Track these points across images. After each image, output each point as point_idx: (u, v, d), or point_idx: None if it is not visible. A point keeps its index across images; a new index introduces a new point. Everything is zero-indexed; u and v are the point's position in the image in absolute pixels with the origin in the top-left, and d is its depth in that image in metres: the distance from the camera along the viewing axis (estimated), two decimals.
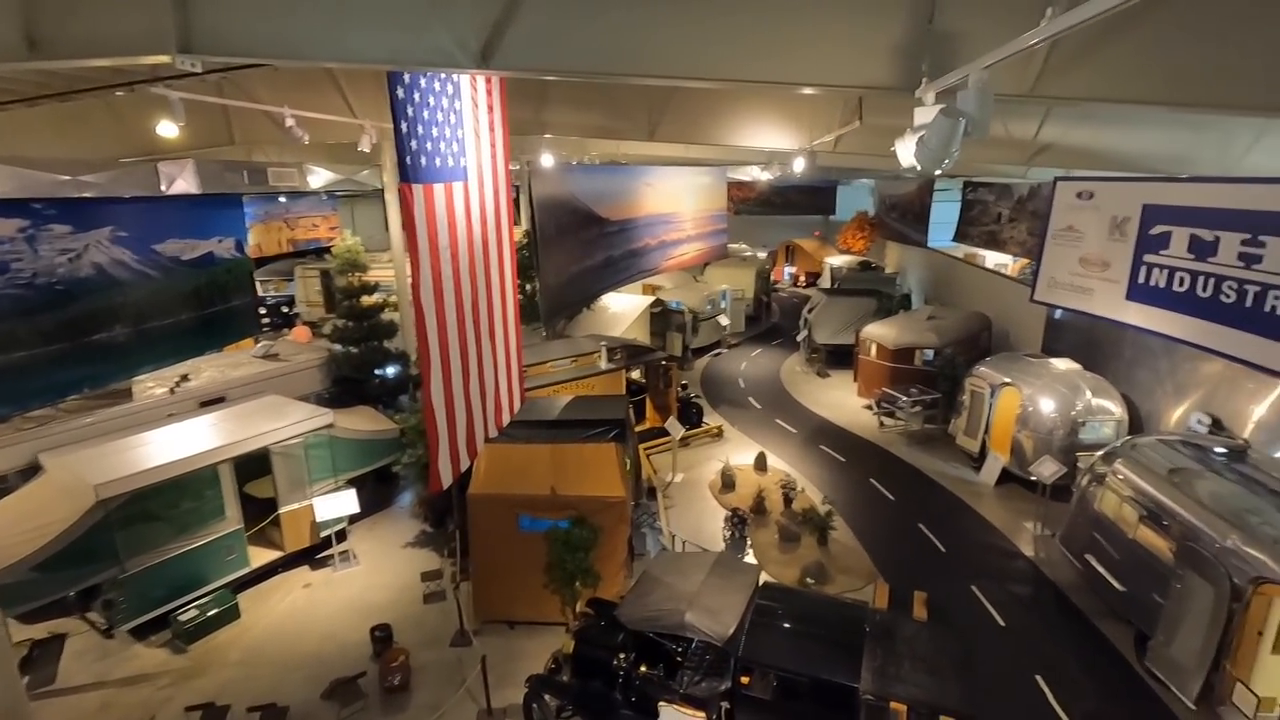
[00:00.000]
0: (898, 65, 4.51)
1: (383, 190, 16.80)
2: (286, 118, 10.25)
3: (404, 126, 7.24)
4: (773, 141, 13.95)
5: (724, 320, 28.23)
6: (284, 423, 12.67)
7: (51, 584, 10.00)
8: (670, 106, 14.09)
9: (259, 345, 16.89)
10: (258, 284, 24.18)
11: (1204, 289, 9.66)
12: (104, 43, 5.53)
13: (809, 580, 12.36)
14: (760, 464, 16.78)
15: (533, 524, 10.95)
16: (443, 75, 8.03)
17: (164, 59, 5.58)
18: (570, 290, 17.75)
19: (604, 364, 17.00)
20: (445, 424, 8.38)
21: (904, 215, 34.75)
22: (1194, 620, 9.20)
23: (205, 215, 14.66)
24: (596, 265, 18.79)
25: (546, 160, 17.88)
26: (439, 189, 8.11)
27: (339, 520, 13.04)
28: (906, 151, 4.22)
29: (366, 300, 17.48)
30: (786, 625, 8.28)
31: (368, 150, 12.43)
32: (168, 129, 9.33)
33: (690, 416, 18.79)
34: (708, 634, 7.91)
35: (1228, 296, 9.28)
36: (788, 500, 14.85)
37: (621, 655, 8.48)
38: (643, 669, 8.39)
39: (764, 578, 9.59)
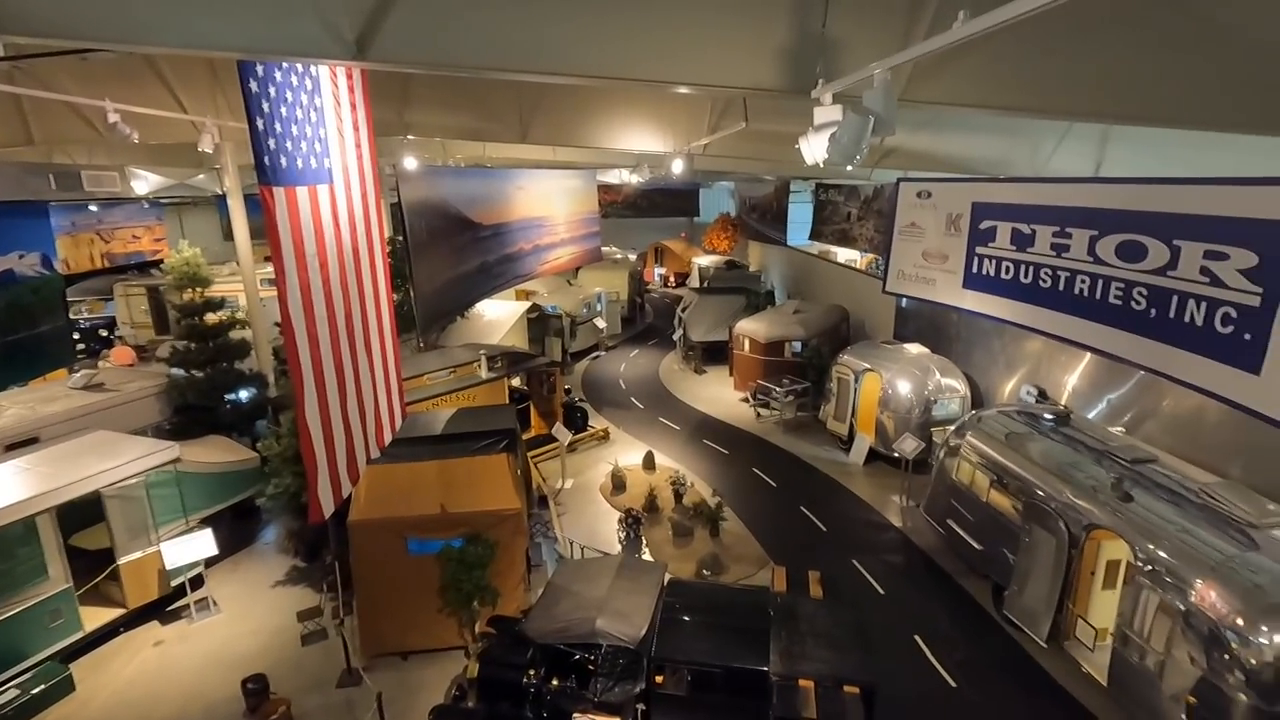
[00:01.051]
0: (788, 68, 4.69)
1: (223, 195, 15.21)
2: (109, 113, 8.94)
3: (260, 124, 6.57)
4: (646, 143, 14.14)
5: (601, 323, 28.34)
6: (117, 461, 11.09)
7: None
8: (542, 107, 13.88)
9: (77, 375, 14.67)
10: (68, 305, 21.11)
11: (1025, 276, 10.83)
12: None
13: (705, 572, 12.65)
14: (649, 463, 16.97)
15: (422, 546, 10.36)
16: (300, 68, 7.37)
17: None
18: (445, 298, 16.99)
19: (485, 373, 16.45)
20: (323, 447, 7.70)
21: (763, 216, 36.67)
22: (1040, 569, 10.39)
23: (1, 227, 12.50)
24: (471, 271, 18.14)
25: (410, 163, 17.02)
26: (302, 192, 7.43)
27: (193, 565, 11.63)
28: (813, 149, 4.40)
29: (211, 318, 15.71)
30: (695, 619, 8.40)
31: (209, 150, 11.16)
32: None
33: (576, 421, 18.65)
34: (620, 638, 7.85)
35: (1044, 282, 10.47)
36: (678, 496, 15.12)
37: (531, 672, 8.20)
38: (554, 683, 8.16)
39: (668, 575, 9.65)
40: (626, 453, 17.84)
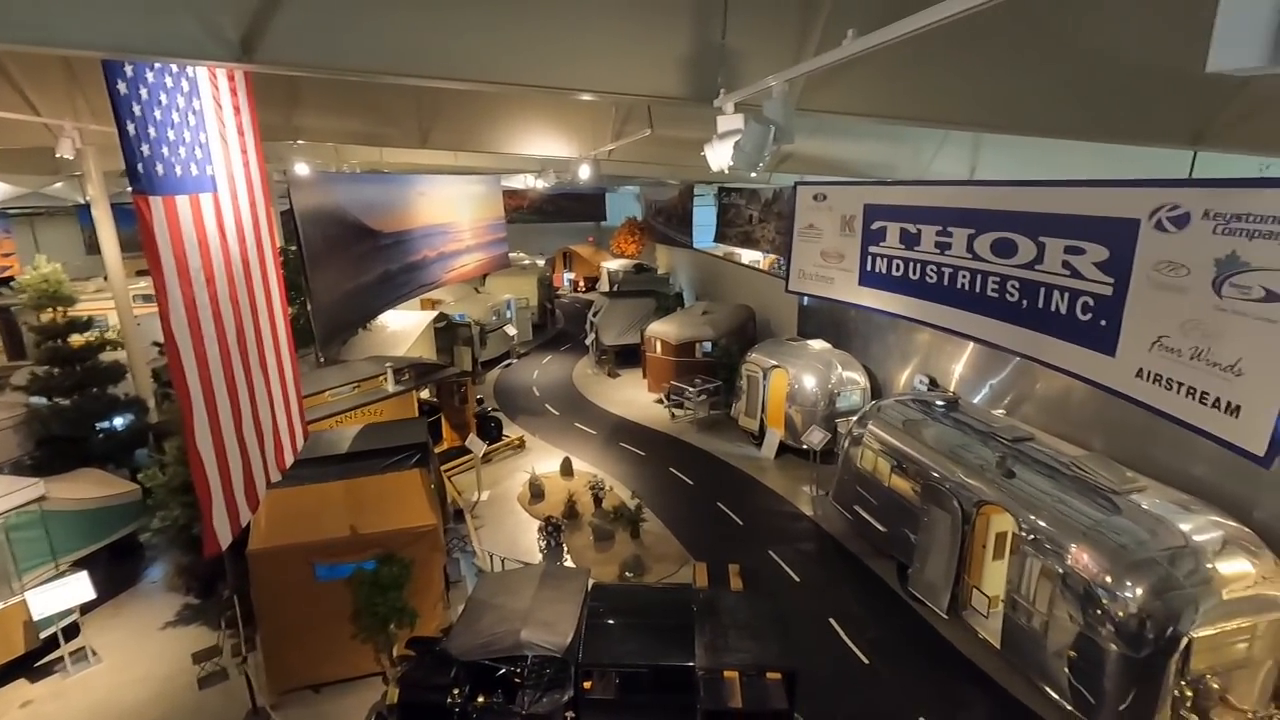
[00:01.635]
0: (690, 76, 4.82)
1: (85, 205, 13.87)
2: None
3: (131, 128, 6.06)
4: (551, 149, 14.08)
5: (511, 330, 27.92)
6: None
7: None
8: (442, 112, 13.54)
9: None
10: None
11: (913, 272, 11.57)
12: None
13: (628, 574, 12.72)
14: (566, 469, 16.87)
15: (331, 571, 9.86)
16: (174, 68, 6.86)
17: None
18: (346, 310, 16.21)
19: (391, 386, 15.83)
20: (217, 474, 7.18)
21: (669, 219, 37.28)
22: (938, 545, 11.13)
23: None
24: (373, 281, 17.39)
25: (302, 169, 16.16)
26: (183, 201, 6.92)
27: (66, 613, 10.53)
28: (717, 156, 4.55)
29: (76, 340, 14.27)
30: (620, 622, 8.43)
31: (70, 157, 10.17)
32: None
33: (490, 431, 18.29)
34: (546, 647, 7.77)
35: (930, 277, 11.22)
36: (598, 500, 15.12)
37: (455, 691, 7.97)
38: (480, 700, 7.97)
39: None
40: (543, 460, 17.67)
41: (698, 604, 8.60)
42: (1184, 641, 7.99)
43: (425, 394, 17.52)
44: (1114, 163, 9.73)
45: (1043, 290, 8.35)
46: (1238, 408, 5.98)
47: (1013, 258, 8.87)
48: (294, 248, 15.53)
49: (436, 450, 15.16)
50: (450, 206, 22.33)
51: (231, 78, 8.21)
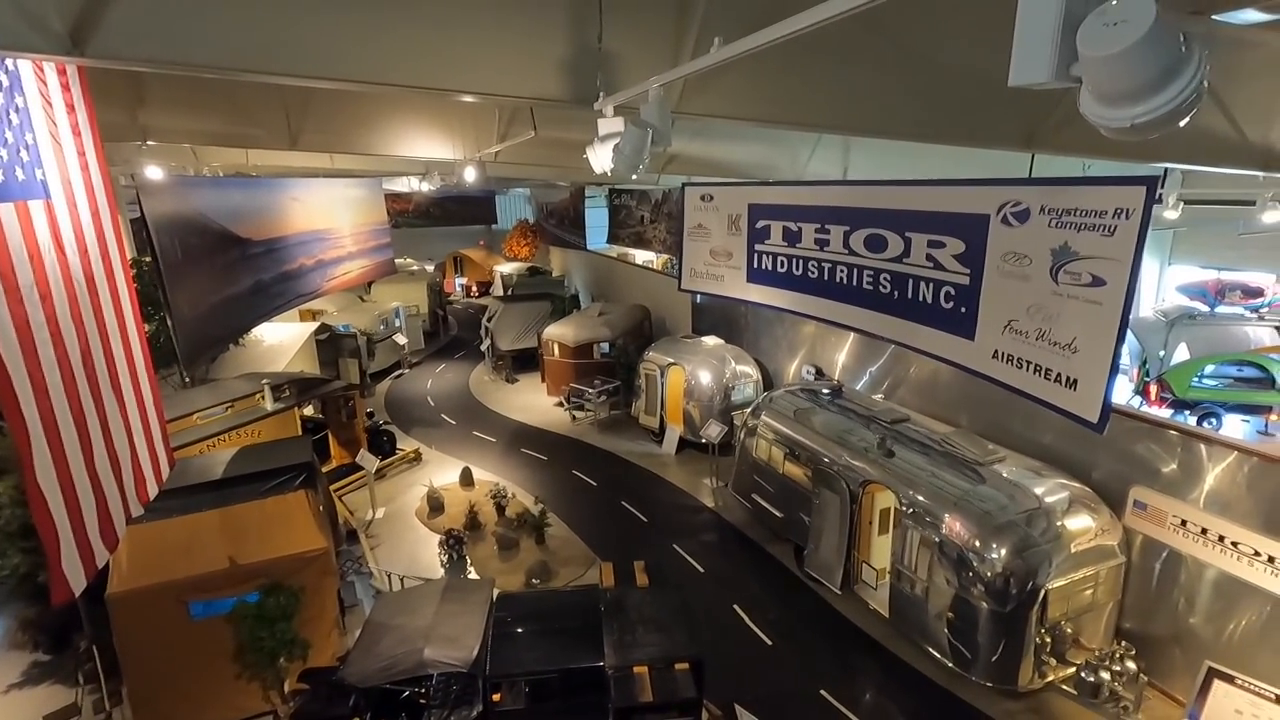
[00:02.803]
0: (569, 79, 4.83)
1: None
2: None
3: None
4: (432, 151, 13.62)
5: (401, 339, 26.83)
6: None
7: None
8: (313, 112, 12.78)
9: None
10: None
11: (796, 268, 12.12)
12: None
13: (534, 581, 12.57)
14: (466, 479, 16.43)
15: (208, 608, 9.12)
16: None
17: None
18: (213, 324, 14.95)
19: (270, 405, 14.80)
20: (64, 514, 6.45)
21: (562, 221, 37.13)
22: (830, 525, 11.77)
23: None
24: (243, 293, 16.13)
25: (153, 173, 14.78)
26: (7, 210, 6.15)
27: None
28: (599, 158, 4.58)
29: None
30: (527, 629, 8.31)
31: None
32: None
33: (382, 445, 17.49)
34: (451, 663, 7.53)
35: (812, 273, 11.80)
36: (500, 509, 14.83)
37: None
38: None
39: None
40: (441, 472, 17.12)
41: (605, 604, 8.64)
42: (1041, 594, 8.89)
43: (309, 410, 16.52)
44: (968, 164, 10.64)
45: (910, 281, 9.00)
46: (1075, 381, 6.70)
47: (883, 252, 9.49)
48: (147, 259, 14.15)
49: (324, 469, 14.33)
50: (328, 211, 21.13)
51: (62, 71, 7.38)
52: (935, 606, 9.78)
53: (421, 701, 7.75)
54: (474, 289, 43.44)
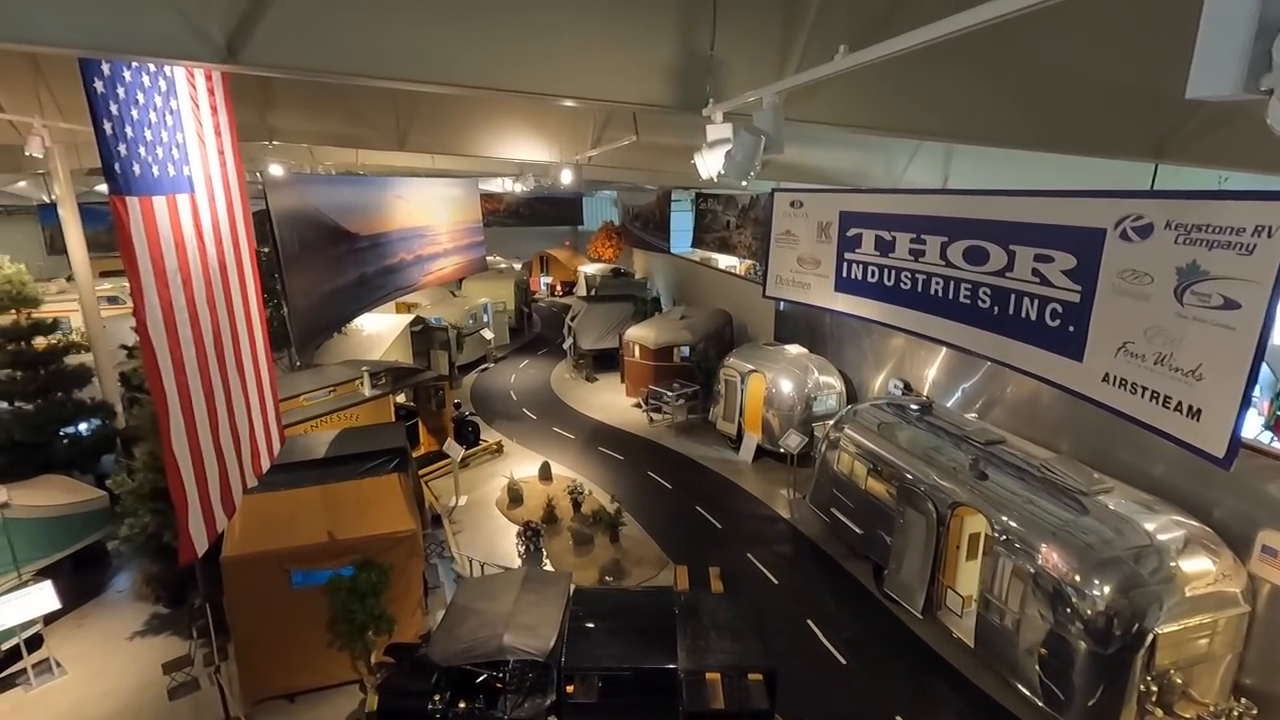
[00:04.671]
0: (678, 85, 4.91)
1: (49, 204, 13.51)
2: None
3: (108, 127, 5.96)
4: (529, 153, 14.09)
5: (488, 334, 27.77)
6: None
7: None
8: (420, 114, 13.48)
9: None
10: None
11: (888, 279, 11.75)
12: None
13: (607, 578, 12.74)
14: (545, 473, 16.84)
15: (307, 578, 9.73)
16: (152, 67, 6.77)
17: None
18: (321, 313, 16.00)
19: (368, 391, 15.66)
20: (194, 480, 7.06)
21: (646, 224, 37.43)
22: (913, 546, 11.34)
23: None
24: (349, 284, 17.18)
25: (276, 170, 15.94)
26: (160, 202, 6.81)
27: (30, 624, 10.23)
28: (707, 164, 4.63)
29: (41, 343, 13.87)
30: (603, 625, 8.45)
31: (39, 155, 9.93)
32: None
33: (467, 435, 18.17)
34: (529, 651, 7.75)
35: (905, 284, 11.41)
36: (576, 505, 15.11)
37: (435, 697, 7.92)
38: (461, 706, 7.93)
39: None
40: (521, 465, 17.60)
41: (679, 606, 8.66)
42: (1149, 638, 8.25)
43: (402, 398, 17.35)
44: (1081, 174, 10.04)
45: (1013, 297, 8.56)
46: (1199, 411, 6.20)
47: (984, 265, 9.08)
48: (265, 249, 15.30)
49: (414, 455, 15.03)
50: (427, 209, 22.17)
51: (209, 77, 8.10)
52: (1026, 641, 9.26)
53: (498, 686, 8.00)
54: (558, 288, 44.43)
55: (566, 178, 12.42)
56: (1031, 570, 9.17)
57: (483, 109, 13.43)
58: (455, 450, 16.00)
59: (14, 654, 10.19)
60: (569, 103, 6.22)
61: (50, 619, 10.69)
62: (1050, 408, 12.52)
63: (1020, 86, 5.75)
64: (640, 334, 22.97)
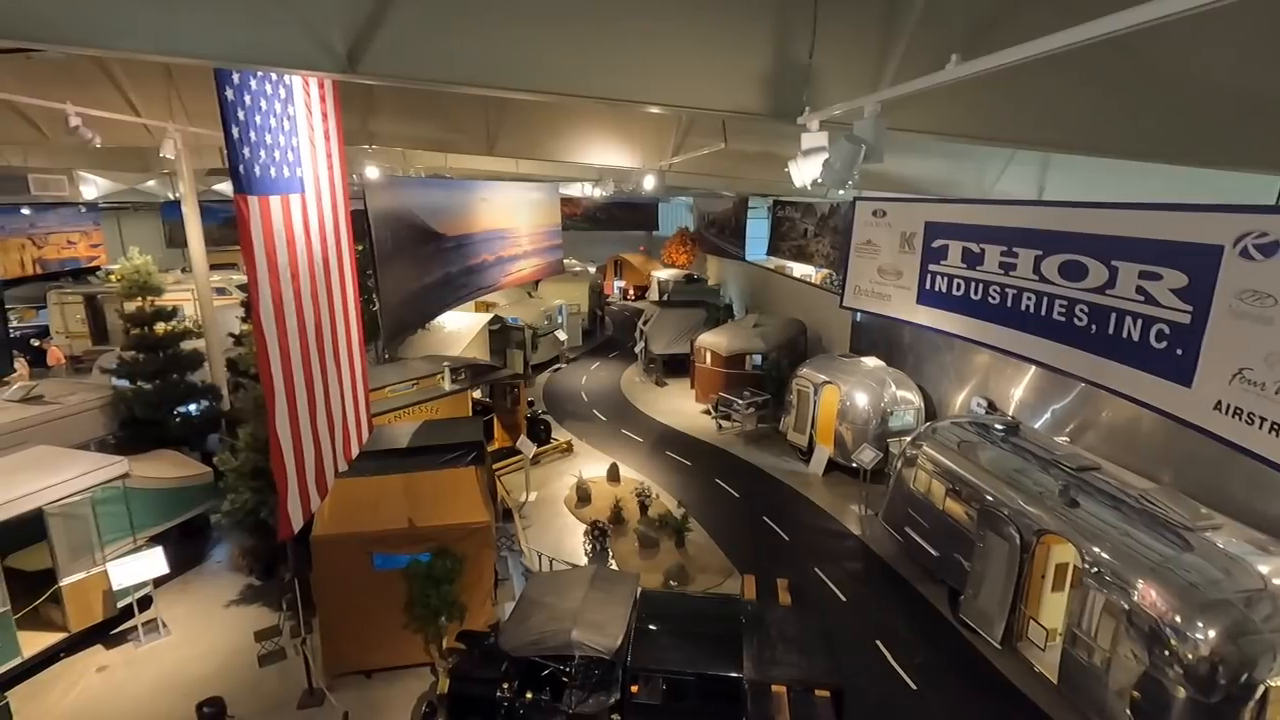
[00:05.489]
0: (770, 93, 4.92)
1: (168, 202, 14.71)
2: (70, 116, 8.63)
3: (235, 132, 6.49)
4: (612, 158, 14.35)
5: (562, 335, 28.33)
6: (61, 477, 10.58)
7: None
8: (509, 120, 13.94)
9: (14, 387, 13.95)
10: None
11: (975, 292, 11.35)
12: None
13: (672, 582, 12.76)
14: (613, 475, 17.03)
15: (387, 561, 10.18)
16: (274, 76, 7.31)
17: None
18: (409, 309, 16.79)
19: (448, 385, 16.27)
20: (293, 461, 7.56)
21: (722, 231, 37.30)
22: (994, 573, 10.84)
23: None
24: (435, 283, 17.96)
25: (372, 172, 16.83)
26: (275, 201, 7.35)
27: (142, 586, 11.15)
28: (801, 172, 4.63)
29: (161, 328, 15.14)
30: (669, 628, 8.49)
31: (172, 156, 10.85)
32: None
33: (539, 433, 18.59)
34: (596, 648, 7.88)
35: (993, 298, 11.00)
36: (643, 507, 15.21)
37: (504, 685, 8.15)
38: (528, 696, 8.13)
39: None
40: (590, 465, 17.85)
41: (746, 616, 8.60)
42: (1260, 690, 7.62)
43: (479, 394, 17.93)
44: (1190, 186, 9.40)
45: (1114, 316, 8.12)
46: None
47: (1082, 281, 8.65)
48: (361, 247, 16.18)
49: (488, 449, 15.50)
50: (510, 212, 22.88)
51: (321, 85, 8.67)
52: (1117, 682, 8.69)
53: (564, 679, 8.15)
54: (631, 292, 44.87)
55: (649, 183, 12.58)
56: (1126, 607, 8.61)
57: (568, 115, 13.77)
58: (528, 447, 16.40)
59: (127, 612, 11.11)
60: (656, 109, 6.33)
61: (159, 582, 11.60)
62: (1151, 435, 11.75)
63: (1138, 94, 5.45)
64: (712, 340, 22.91)
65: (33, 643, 10.32)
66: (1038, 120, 6.03)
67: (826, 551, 14.24)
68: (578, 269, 37.11)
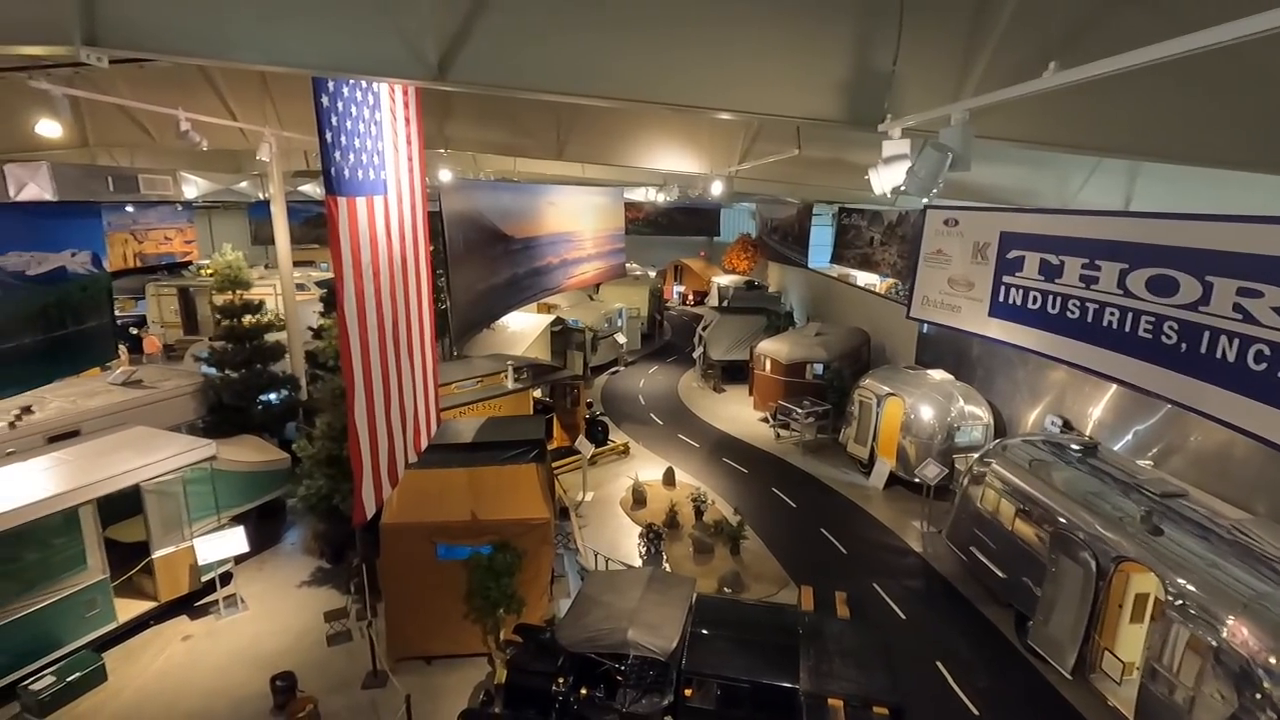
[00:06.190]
0: (848, 100, 4.90)
1: (256, 202, 15.58)
2: (181, 121, 9.31)
3: (329, 136, 6.86)
4: (677, 164, 14.42)
5: (621, 338, 28.56)
6: (157, 457, 11.36)
7: None
8: (578, 126, 14.20)
9: (117, 371, 15.03)
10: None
11: (1053, 306, 10.88)
12: None
13: (726, 589, 12.70)
14: (669, 479, 17.06)
15: (450, 552, 10.51)
16: (364, 84, 7.69)
17: (62, 51, 4.98)
18: (478, 309, 17.31)
19: (511, 384, 16.66)
20: (369, 451, 7.91)
21: (785, 237, 36.88)
22: (1067, 599, 10.37)
23: (56, 225, 12.91)
24: (502, 283, 18.45)
25: (446, 175, 17.41)
26: (361, 202, 7.72)
27: (224, 562, 11.84)
28: (881, 180, 4.60)
29: (249, 320, 16.06)
30: (725, 634, 8.47)
31: (268, 159, 11.53)
32: (50, 128, 8.17)
33: (597, 434, 18.79)
34: (651, 649, 7.93)
35: (1072, 313, 10.52)
36: (699, 513, 15.19)
37: (559, 680, 8.30)
38: (582, 691, 8.25)
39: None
40: (646, 468, 17.94)
41: (803, 626, 8.50)
42: None
43: (539, 393, 18.27)
44: None
45: (1208, 334, 7.68)
46: None
47: (1172, 297, 8.21)
48: (433, 247, 16.76)
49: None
50: (575, 216, 23.27)
51: (405, 92, 9.06)
52: None
53: (618, 678, 8.24)
54: (690, 297, 44.84)
55: (717, 189, 12.60)
56: (1213, 643, 8.10)
57: (636, 120, 13.92)
58: (586, 447, 16.61)
59: (210, 586, 11.82)
60: (729, 115, 6.35)
61: (238, 560, 12.29)
62: (1246, 462, 11.03)
63: (1245, 99, 5.16)
64: (772, 348, 22.69)
65: (126, 609, 11.10)
66: (1130, 127, 5.78)
67: (886, 567, 13.90)
68: (638, 273, 37.34)
